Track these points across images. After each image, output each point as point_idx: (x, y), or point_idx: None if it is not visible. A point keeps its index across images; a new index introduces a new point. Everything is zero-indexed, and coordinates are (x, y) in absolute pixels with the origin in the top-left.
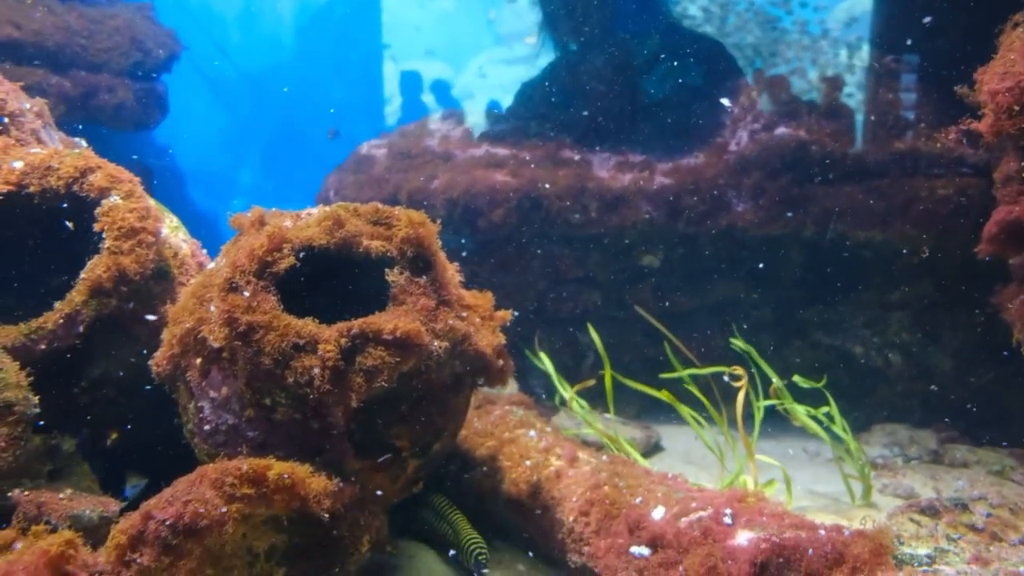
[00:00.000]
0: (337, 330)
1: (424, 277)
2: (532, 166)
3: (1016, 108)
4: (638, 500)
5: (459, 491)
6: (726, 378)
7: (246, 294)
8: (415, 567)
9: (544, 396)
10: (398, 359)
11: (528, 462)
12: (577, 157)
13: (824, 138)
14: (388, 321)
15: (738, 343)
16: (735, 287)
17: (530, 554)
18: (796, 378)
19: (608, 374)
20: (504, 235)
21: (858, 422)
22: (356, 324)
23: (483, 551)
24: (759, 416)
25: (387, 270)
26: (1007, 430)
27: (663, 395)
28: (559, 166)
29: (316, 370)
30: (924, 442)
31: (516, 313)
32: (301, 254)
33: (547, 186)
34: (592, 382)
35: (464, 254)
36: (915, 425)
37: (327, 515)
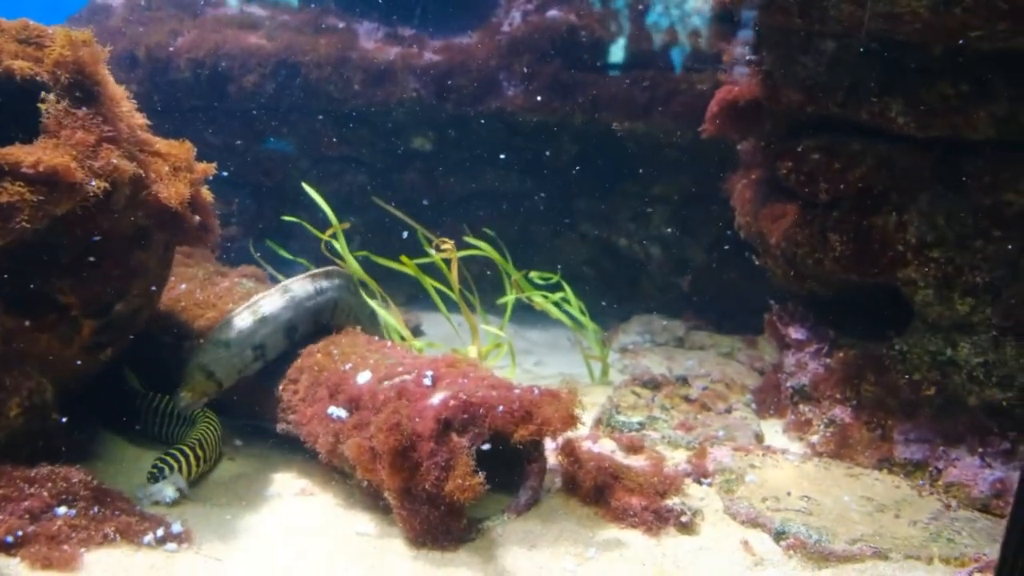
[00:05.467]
0: None
1: (85, 108)
2: (291, 30)
3: None
4: (347, 366)
5: (175, 364)
6: (432, 251)
7: None
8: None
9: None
10: (42, 198)
11: None
12: (341, 25)
13: (594, 23)
14: (30, 154)
15: (475, 241)
16: (510, 175)
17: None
18: (533, 274)
19: (338, 229)
20: (257, 104)
21: (622, 312)
22: None
23: (157, 469)
24: (510, 302)
25: (44, 96)
26: (747, 320)
27: (408, 266)
28: (321, 33)
29: None
30: (674, 331)
31: (223, 173)
32: None
33: (306, 53)
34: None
35: (210, 127)
36: (671, 316)
37: None
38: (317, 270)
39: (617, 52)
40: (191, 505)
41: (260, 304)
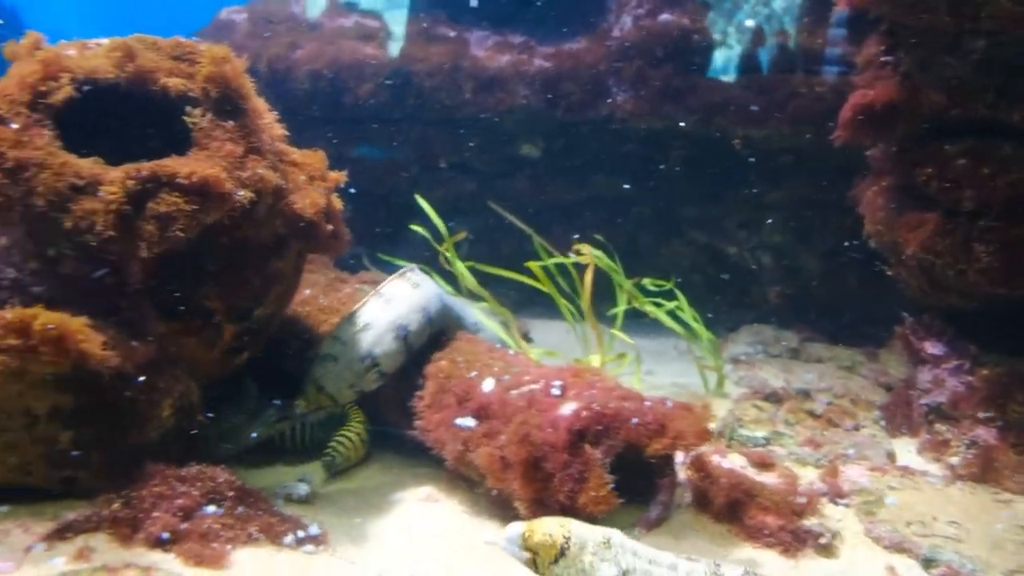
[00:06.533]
0: (124, 171)
1: (232, 121)
2: (405, 40)
3: None
4: (473, 374)
5: (302, 369)
6: (572, 256)
7: (15, 126)
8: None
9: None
10: (196, 207)
11: None
12: (453, 34)
13: (707, 27)
14: (184, 165)
15: (586, 249)
16: (617, 181)
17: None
18: (645, 280)
19: (450, 244)
20: (372, 112)
21: (730, 322)
22: (146, 166)
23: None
24: (622, 309)
25: (189, 110)
26: (866, 332)
27: (538, 274)
28: (433, 42)
29: (99, 215)
30: (787, 341)
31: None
32: (86, 88)
33: (419, 62)
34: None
35: (327, 135)
36: (782, 326)
37: (111, 375)
38: (399, 274)
39: (731, 56)
40: (322, 507)
41: (358, 313)
